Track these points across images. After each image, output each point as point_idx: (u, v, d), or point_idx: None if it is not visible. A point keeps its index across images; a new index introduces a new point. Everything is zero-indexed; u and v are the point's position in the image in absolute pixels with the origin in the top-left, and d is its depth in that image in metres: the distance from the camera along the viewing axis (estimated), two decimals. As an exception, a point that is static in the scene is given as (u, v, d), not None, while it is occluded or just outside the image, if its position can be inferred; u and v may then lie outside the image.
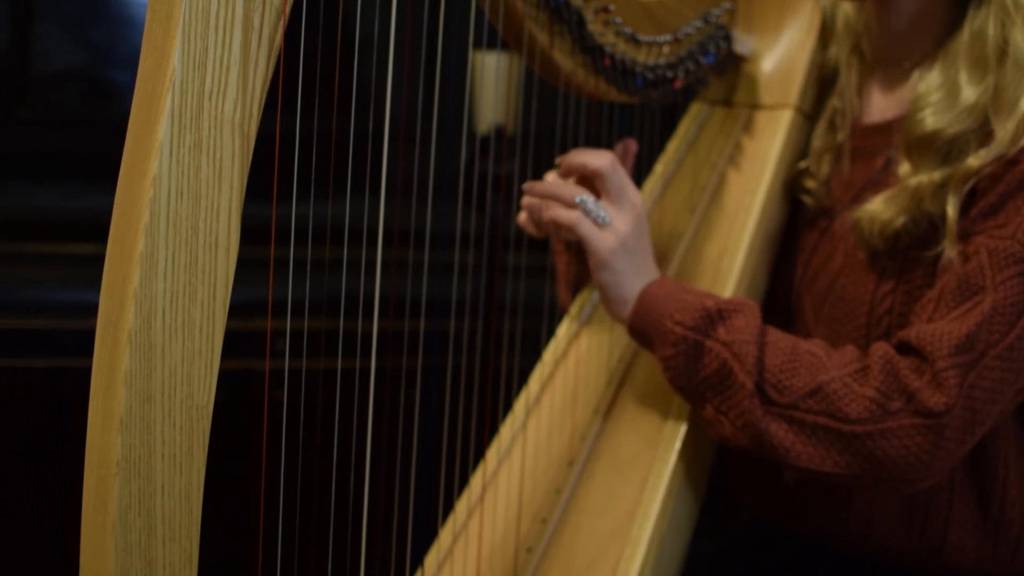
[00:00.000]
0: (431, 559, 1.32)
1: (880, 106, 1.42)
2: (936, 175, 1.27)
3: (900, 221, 1.29)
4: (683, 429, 1.29)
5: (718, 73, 1.48)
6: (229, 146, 0.84)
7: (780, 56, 1.52)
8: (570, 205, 1.27)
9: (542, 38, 1.24)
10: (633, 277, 1.28)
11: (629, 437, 1.33)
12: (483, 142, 2.01)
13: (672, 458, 1.28)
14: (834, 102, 1.46)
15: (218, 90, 0.83)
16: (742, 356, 1.20)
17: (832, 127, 1.45)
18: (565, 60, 1.27)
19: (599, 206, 1.27)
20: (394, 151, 1.04)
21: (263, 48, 0.85)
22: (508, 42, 1.25)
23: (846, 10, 1.48)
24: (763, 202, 1.43)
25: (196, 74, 0.82)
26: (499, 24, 1.20)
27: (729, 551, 1.53)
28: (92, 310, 0.86)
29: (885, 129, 1.38)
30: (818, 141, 1.46)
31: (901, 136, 1.32)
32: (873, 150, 1.39)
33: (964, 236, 1.24)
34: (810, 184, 1.44)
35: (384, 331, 1.08)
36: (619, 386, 1.39)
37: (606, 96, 1.34)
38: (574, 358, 1.45)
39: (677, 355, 1.23)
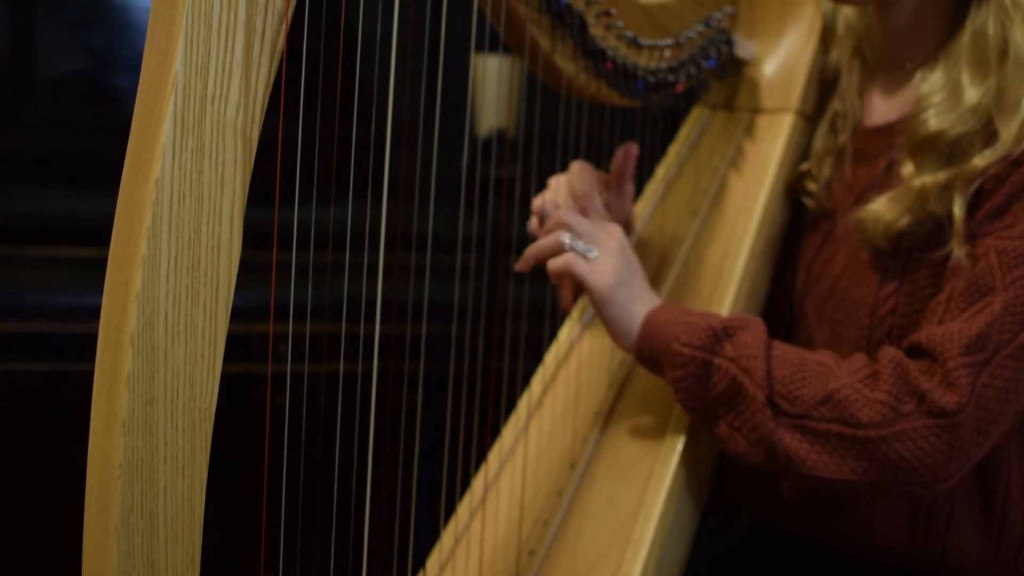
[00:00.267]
0: (433, 561, 1.32)
1: (882, 108, 1.42)
2: (941, 175, 1.27)
3: (904, 221, 1.29)
4: (685, 431, 1.29)
5: (719, 77, 1.48)
6: (231, 150, 0.84)
7: (781, 60, 1.52)
8: (557, 250, 1.28)
9: (544, 42, 1.24)
10: (635, 306, 1.28)
11: (631, 440, 1.33)
12: (484, 146, 2.01)
13: (674, 461, 1.28)
14: (835, 105, 1.46)
15: (220, 94, 0.83)
16: (751, 370, 1.20)
17: (833, 129, 1.45)
18: (567, 64, 1.27)
19: (583, 244, 1.28)
20: (396, 154, 1.04)
21: (265, 52, 0.85)
22: (510, 46, 1.25)
23: (847, 13, 1.48)
24: (764, 206, 1.43)
25: (199, 78, 0.82)
26: (501, 28, 1.20)
27: (731, 554, 1.53)
28: (93, 313, 0.86)
29: (887, 131, 1.38)
30: (820, 143, 1.46)
31: (904, 137, 1.32)
32: (875, 152, 1.39)
33: (971, 238, 1.24)
34: (812, 186, 1.44)
35: (386, 335, 1.08)
36: (621, 389, 1.40)
37: (608, 100, 1.34)
38: (576, 361, 1.45)
39: (687, 376, 1.23)
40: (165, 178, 0.82)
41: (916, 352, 1.21)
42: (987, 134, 1.26)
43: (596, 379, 1.41)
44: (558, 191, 1.40)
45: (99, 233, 0.99)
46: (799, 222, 1.48)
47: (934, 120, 1.28)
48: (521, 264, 1.34)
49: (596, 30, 1.27)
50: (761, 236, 1.42)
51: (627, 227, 1.48)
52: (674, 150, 1.59)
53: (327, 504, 1.14)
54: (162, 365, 0.83)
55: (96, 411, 0.84)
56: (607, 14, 1.27)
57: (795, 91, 1.50)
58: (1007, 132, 1.24)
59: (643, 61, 1.34)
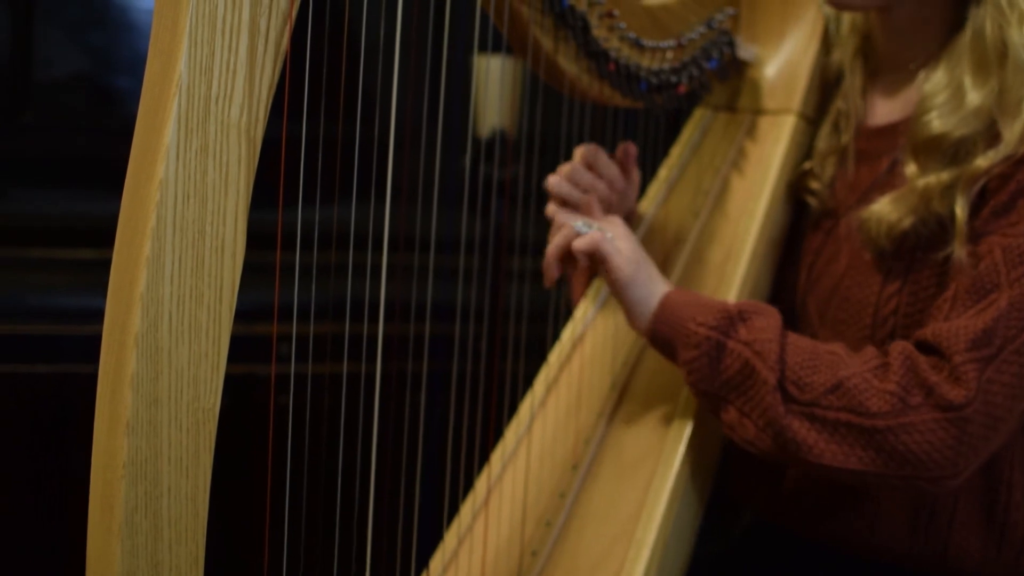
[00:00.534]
0: (436, 562, 1.32)
1: (885, 108, 1.42)
2: (944, 176, 1.27)
3: (908, 222, 1.29)
4: (687, 432, 1.29)
5: (722, 78, 1.48)
6: (235, 150, 0.85)
7: (783, 61, 1.52)
8: (573, 237, 1.30)
9: (547, 43, 1.24)
10: (654, 286, 1.29)
11: (633, 440, 1.33)
12: (487, 146, 2.01)
13: (676, 461, 1.28)
14: (838, 104, 1.46)
15: (225, 94, 0.84)
16: (764, 354, 1.21)
17: (837, 129, 1.45)
18: (569, 65, 1.27)
19: (597, 227, 1.30)
20: (398, 155, 1.04)
21: (269, 53, 0.85)
22: (513, 47, 1.25)
23: (850, 14, 1.48)
24: (766, 206, 1.43)
25: (203, 78, 0.82)
26: (504, 28, 1.20)
27: (732, 554, 1.53)
28: (96, 315, 0.86)
29: (890, 131, 1.39)
30: (822, 143, 1.46)
31: (907, 138, 1.32)
32: (878, 152, 1.39)
33: (976, 236, 1.24)
34: (814, 186, 1.45)
35: (389, 335, 1.09)
36: (623, 390, 1.40)
37: (610, 101, 1.35)
38: (578, 362, 1.45)
39: (700, 356, 1.23)
40: (169, 179, 0.82)
41: (923, 348, 1.21)
42: (990, 135, 1.26)
43: (598, 380, 1.42)
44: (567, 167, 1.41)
45: (101, 235, 0.99)
46: (801, 221, 1.48)
47: (937, 122, 1.28)
48: (546, 277, 1.34)
49: (599, 31, 1.27)
50: (763, 237, 1.42)
51: (630, 218, 1.49)
52: (676, 151, 1.59)
53: (330, 504, 1.14)
54: (166, 366, 0.83)
55: (100, 412, 0.84)
56: (610, 15, 1.27)
57: (797, 93, 1.50)
58: (1010, 133, 1.24)
59: (646, 62, 1.34)
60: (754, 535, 1.53)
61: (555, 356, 1.47)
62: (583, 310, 1.50)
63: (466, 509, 1.37)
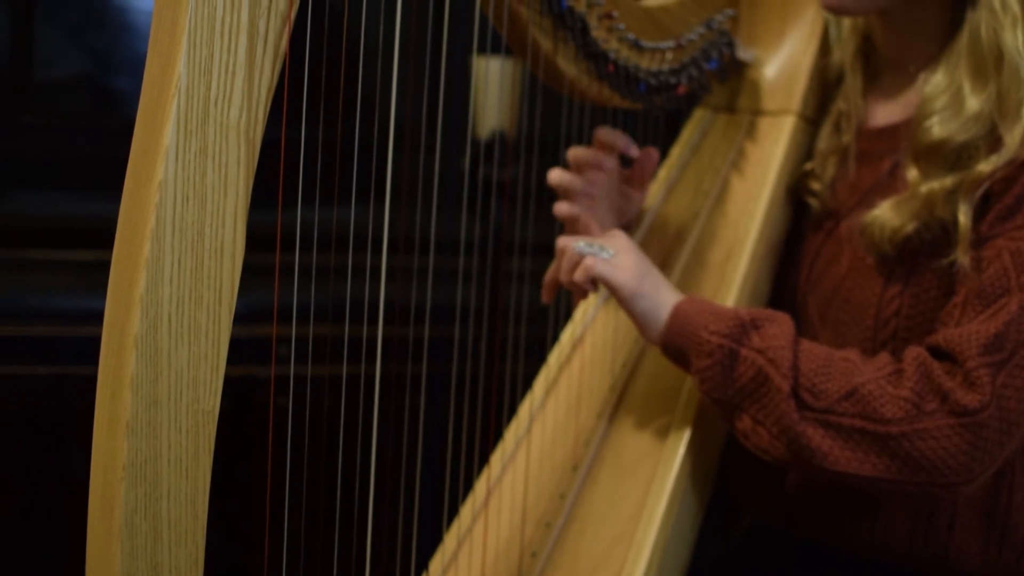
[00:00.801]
0: (436, 564, 1.32)
1: (885, 110, 1.42)
2: (947, 181, 1.27)
3: (911, 227, 1.29)
4: (687, 433, 1.29)
5: (721, 79, 1.48)
6: (235, 152, 0.85)
7: (783, 62, 1.52)
8: (576, 260, 1.28)
9: (546, 44, 1.24)
10: (661, 296, 1.28)
11: (633, 442, 1.33)
12: (486, 147, 2.01)
13: (676, 462, 1.28)
14: (839, 105, 1.46)
15: (224, 96, 0.84)
16: (777, 361, 1.20)
17: (837, 129, 1.45)
18: (568, 66, 1.27)
19: (598, 246, 1.28)
20: (398, 156, 1.04)
21: (268, 54, 0.85)
22: (512, 48, 1.25)
23: (850, 14, 1.48)
24: (766, 207, 1.43)
25: (202, 80, 0.82)
26: (503, 30, 1.20)
27: (733, 556, 1.53)
28: (95, 316, 0.86)
29: (891, 133, 1.39)
30: (823, 143, 1.46)
31: (908, 143, 1.32)
32: (879, 153, 1.39)
33: (982, 241, 1.24)
34: (815, 186, 1.45)
35: (389, 337, 1.08)
36: (623, 391, 1.40)
37: (609, 102, 1.35)
38: (578, 363, 1.45)
39: (713, 365, 1.23)
40: (168, 180, 0.82)
41: (935, 354, 1.21)
42: (991, 139, 1.26)
43: (598, 381, 1.42)
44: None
45: (100, 236, 0.99)
46: (802, 222, 1.48)
47: (938, 128, 1.28)
48: (544, 293, 1.34)
49: (598, 32, 1.27)
50: (763, 238, 1.42)
51: (635, 224, 1.49)
52: (676, 152, 1.59)
53: (330, 506, 1.14)
54: (166, 367, 0.83)
55: (100, 413, 0.84)
56: (609, 16, 1.27)
57: (797, 93, 1.50)
58: (1011, 137, 1.24)
59: (645, 63, 1.34)
60: (754, 537, 1.53)
61: (555, 357, 1.47)
62: (583, 312, 1.50)
63: (466, 510, 1.36)
